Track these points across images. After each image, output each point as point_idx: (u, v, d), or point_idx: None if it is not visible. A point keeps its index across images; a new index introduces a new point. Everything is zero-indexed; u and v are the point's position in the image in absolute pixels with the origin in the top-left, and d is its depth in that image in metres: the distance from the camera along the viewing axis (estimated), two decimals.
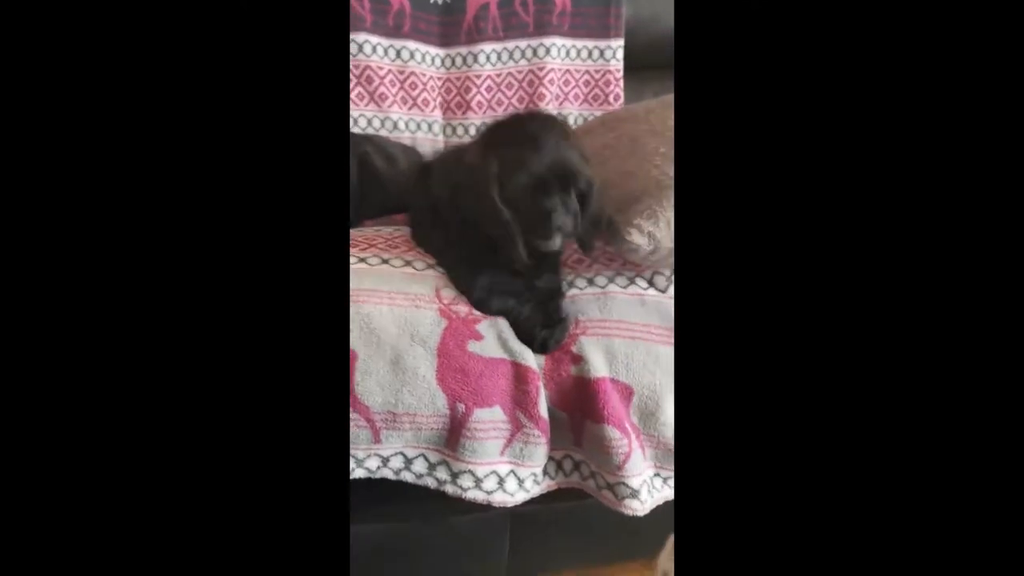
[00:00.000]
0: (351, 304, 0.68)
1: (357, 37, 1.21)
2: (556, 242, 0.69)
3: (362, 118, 1.23)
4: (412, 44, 1.24)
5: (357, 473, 0.69)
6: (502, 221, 0.68)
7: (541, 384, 0.69)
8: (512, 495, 0.70)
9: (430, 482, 0.70)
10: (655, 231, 0.73)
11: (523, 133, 0.69)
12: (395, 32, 1.23)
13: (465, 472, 0.69)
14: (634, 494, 0.70)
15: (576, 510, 0.84)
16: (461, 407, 0.67)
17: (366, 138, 1.11)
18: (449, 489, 0.69)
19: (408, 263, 0.76)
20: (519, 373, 0.69)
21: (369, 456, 0.68)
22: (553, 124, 0.72)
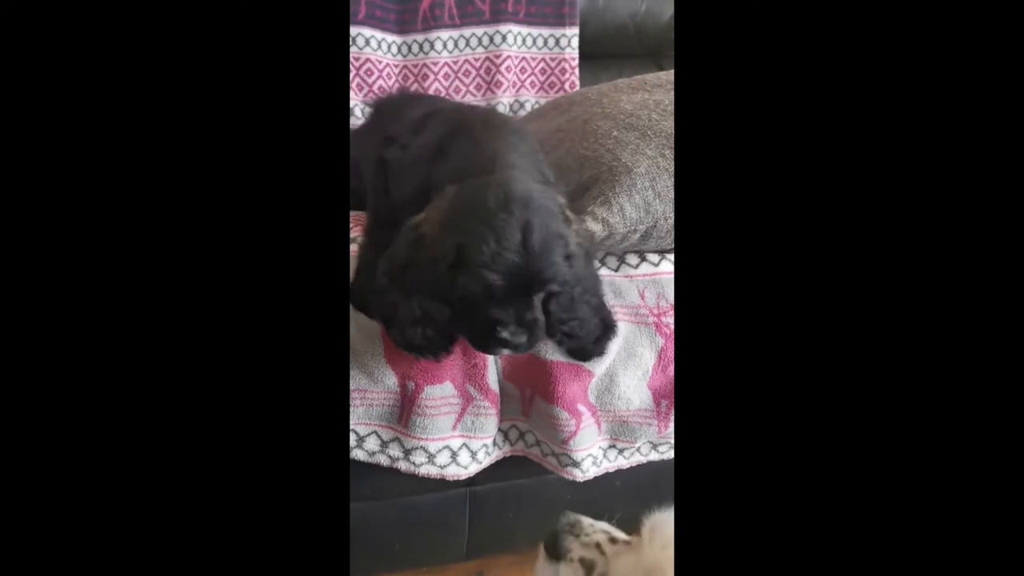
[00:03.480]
0: None
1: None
2: (500, 352, 0.60)
3: (357, 107, 1.22)
4: (368, 31, 1.24)
5: None
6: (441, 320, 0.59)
7: (491, 358, 0.70)
8: (465, 467, 0.72)
9: (383, 459, 0.71)
10: (608, 216, 0.75)
11: (486, 213, 0.55)
12: (351, 19, 1.23)
13: (417, 448, 0.70)
14: (576, 464, 0.72)
15: (533, 485, 0.86)
16: (411, 385, 0.68)
17: None
18: (402, 466, 0.70)
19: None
20: (467, 348, 0.70)
21: None
22: (523, 198, 0.56)
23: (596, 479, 0.76)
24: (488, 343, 0.59)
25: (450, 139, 0.68)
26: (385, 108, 0.98)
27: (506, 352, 0.61)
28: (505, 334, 0.57)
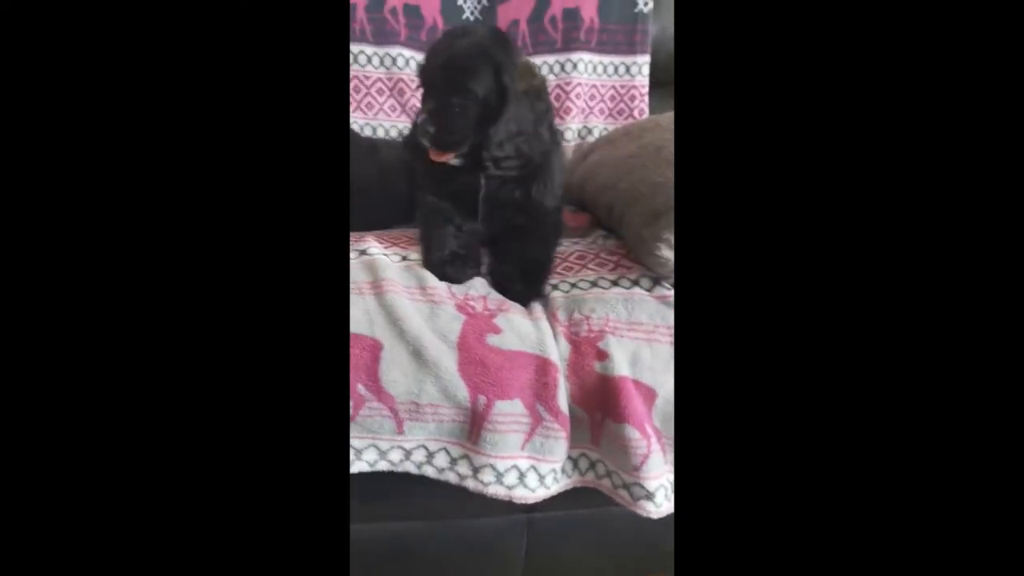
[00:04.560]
0: (376, 294, 0.69)
1: (391, 51, 1.25)
2: (427, 144, 0.71)
3: (394, 129, 1.27)
4: None
5: (380, 465, 0.69)
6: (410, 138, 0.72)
7: (562, 377, 0.69)
8: (533, 491, 0.70)
9: (451, 477, 0.70)
10: None
11: (459, 42, 0.70)
12: (426, 47, 1.28)
13: (486, 466, 0.68)
14: (649, 496, 0.69)
15: (595, 517, 0.82)
16: (483, 399, 0.67)
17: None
18: (470, 484, 0.69)
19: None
20: (540, 366, 0.69)
21: (392, 448, 0.69)
22: (494, 37, 0.72)
23: (662, 519, 0.72)
24: (412, 134, 0.72)
25: None
26: None
27: (425, 143, 0.71)
28: (419, 119, 0.70)
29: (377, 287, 0.70)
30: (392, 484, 0.73)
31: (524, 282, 0.76)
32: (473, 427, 0.69)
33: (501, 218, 0.79)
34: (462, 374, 0.67)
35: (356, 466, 0.69)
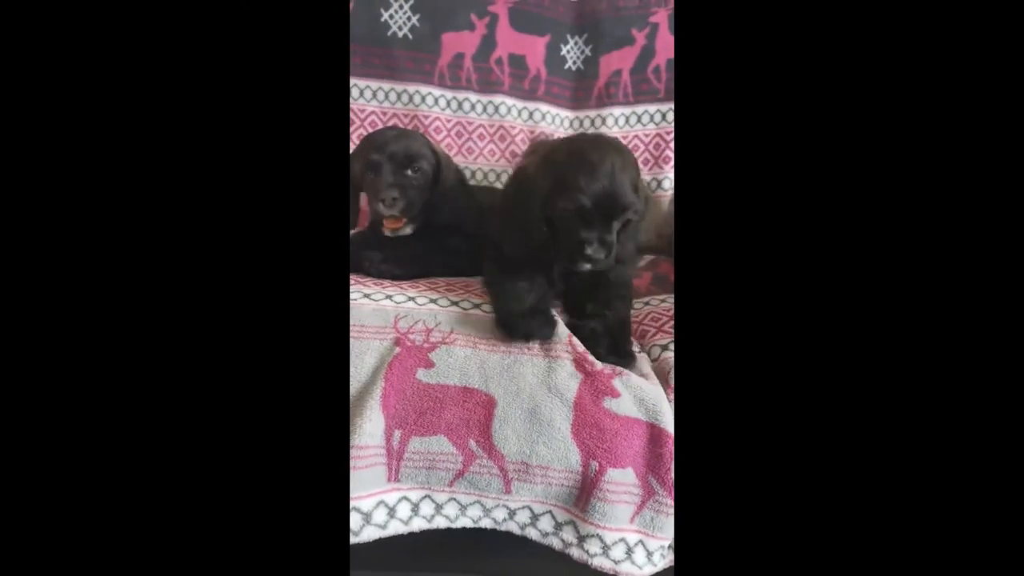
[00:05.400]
0: (491, 351, 0.69)
1: (494, 99, 1.29)
2: (584, 267, 0.73)
3: (492, 172, 1.29)
4: (544, 106, 1.31)
5: (483, 523, 0.68)
6: (539, 239, 0.73)
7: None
8: (640, 568, 0.66)
9: (555, 542, 0.67)
10: None
11: (582, 156, 0.71)
12: (529, 95, 1.31)
13: (593, 536, 0.66)
14: None
15: None
16: (595, 465, 0.65)
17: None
18: (575, 553, 0.66)
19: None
20: (654, 435, 0.66)
21: (497, 506, 0.67)
22: (615, 149, 0.73)
23: None
24: (575, 258, 0.71)
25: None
26: None
27: (587, 267, 0.72)
28: (589, 250, 0.70)
29: (492, 345, 0.70)
30: (493, 542, 0.71)
31: (612, 341, 0.73)
32: (582, 492, 0.66)
33: (576, 274, 0.77)
34: (575, 437, 0.65)
35: (460, 521, 0.68)
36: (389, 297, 0.76)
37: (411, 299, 0.76)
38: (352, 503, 0.63)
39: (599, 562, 0.66)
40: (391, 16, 1.24)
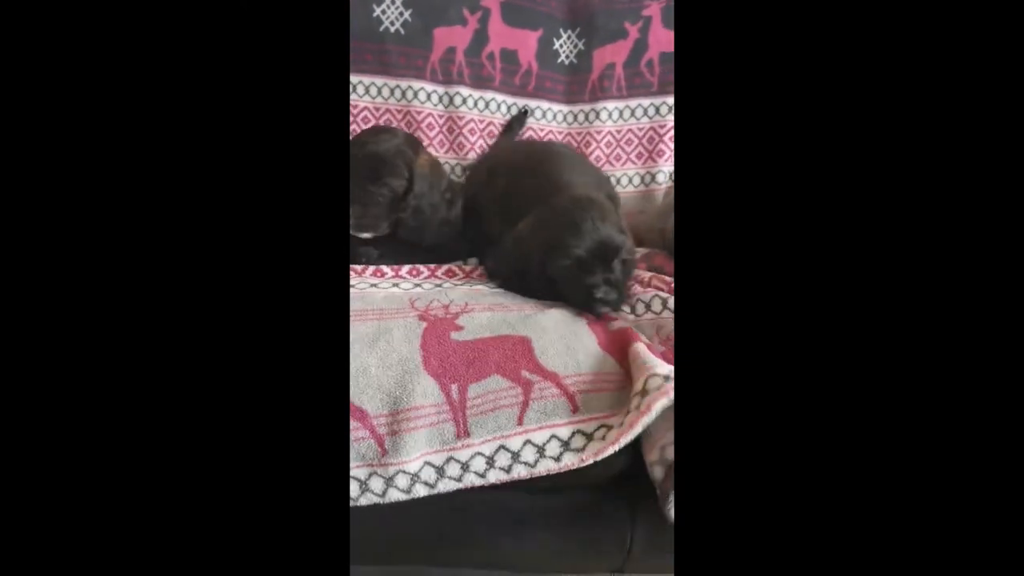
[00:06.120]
0: (509, 312, 0.74)
1: (485, 95, 1.28)
2: (601, 310, 0.78)
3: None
4: (535, 101, 1.30)
5: (566, 459, 0.64)
6: (553, 291, 0.80)
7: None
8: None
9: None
10: None
11: (563, 218, 0.80)
12: (520, 91, 1.30)
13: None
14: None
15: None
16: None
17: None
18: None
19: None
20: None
21: (574, 434, 0.65)
22: (589, 205, 0.81)
23: None
24: (591, 304, 0.77)
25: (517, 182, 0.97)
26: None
27: (606, 310, 0.77)
28: (600, 294, 0.76)
29: (507, 309, 0.75)
30: (489, 536, 0.71)
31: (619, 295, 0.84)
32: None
33: None
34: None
35: (542, 464, 0.65)
36: (396, 285, 0.83)
37: (417, 285, 0.83)
38: (404, 464, 0.63)
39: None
40: (383, 11, 1.23)
